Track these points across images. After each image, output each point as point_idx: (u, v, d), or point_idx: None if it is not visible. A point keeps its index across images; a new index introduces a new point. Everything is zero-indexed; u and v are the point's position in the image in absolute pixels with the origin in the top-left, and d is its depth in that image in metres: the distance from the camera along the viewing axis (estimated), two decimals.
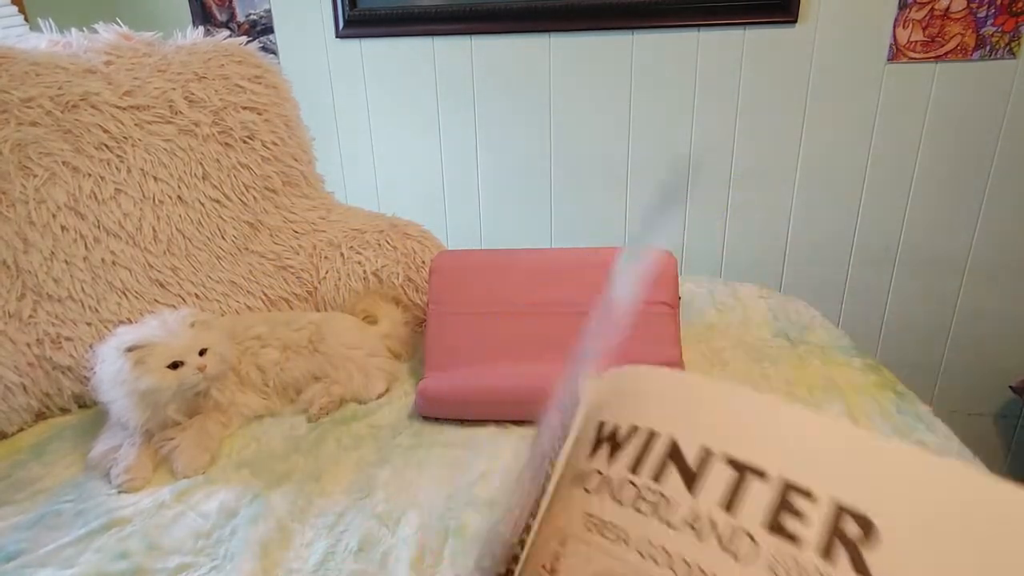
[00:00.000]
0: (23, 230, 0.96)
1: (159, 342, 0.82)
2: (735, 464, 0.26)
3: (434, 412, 0.95)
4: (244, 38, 1.25)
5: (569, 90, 1.66)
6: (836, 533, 0.24)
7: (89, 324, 0.98)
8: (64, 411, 0.99)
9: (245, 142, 1.18)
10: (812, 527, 0.24)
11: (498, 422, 0.93)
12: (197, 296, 1.08)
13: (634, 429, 0.28)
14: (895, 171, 1.53)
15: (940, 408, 1.59)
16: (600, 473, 0.28)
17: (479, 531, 0.73)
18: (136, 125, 1.07)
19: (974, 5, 1.36)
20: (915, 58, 1.43)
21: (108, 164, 1.04)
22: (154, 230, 1.06)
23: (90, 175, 1.02)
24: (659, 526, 0.25)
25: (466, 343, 1.01)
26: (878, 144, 1.52)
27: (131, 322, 0.97)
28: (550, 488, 0.30)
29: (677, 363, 0.97)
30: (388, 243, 1.21)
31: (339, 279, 1.18)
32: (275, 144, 1.22)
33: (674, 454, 0.27)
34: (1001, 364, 1.60)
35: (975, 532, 0.23)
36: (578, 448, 0.30)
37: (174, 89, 1.12)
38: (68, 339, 0.96)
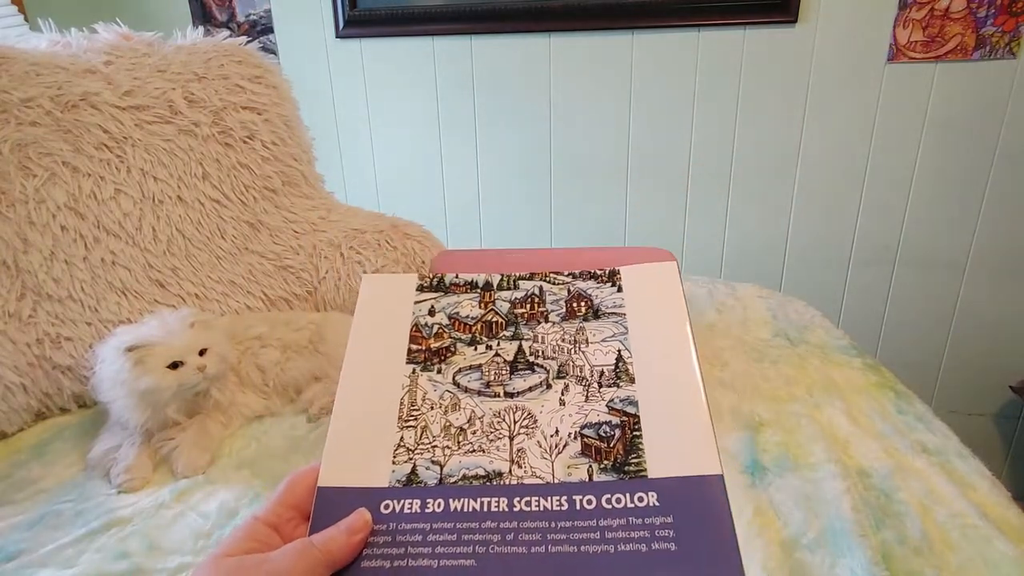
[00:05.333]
0: (23, 230, 0.96)
1: (159, 342, 0.82)
2: None
3: None
4: (244, 38, 1.25)
5: (569, 90, 1.66)
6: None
7: (89, 324, 0.98)
8: (64, 411, 0.99)
9: (245, 142, 1.18)
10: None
11: None
12: (197, 296, 1.08)
13: None
14: (895, 171, 1.53)
15: (940, 408, 1.59)
16: None
17: None
18: (136, 125, 1.07)
19: (974, 5, 1.36)
20: (915, 58, 1.43)
21: (108, 164, 1.04)
22: (154, 230, 1.06)
23: (90, 175, 1.02)
24: None
25: None
26: (878, 144, 1.52)
27: (131, 322, 0.97)
28: None
29: None
30: (388, 243, 1.21)
31: (339, 279, 1.18)
32: (275, 144, 1.21)
33: None
34: (1001, 364, 1.60)
35: None
36: None
37: (174, 89, 1.12)
38: (68, 339, 0.96)
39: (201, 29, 1.24)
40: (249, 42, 1.24)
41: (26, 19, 1.66)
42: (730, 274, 1.71)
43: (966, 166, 1.49)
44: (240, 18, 1.82)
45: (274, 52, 1.82)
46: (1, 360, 0.91)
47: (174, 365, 0.82)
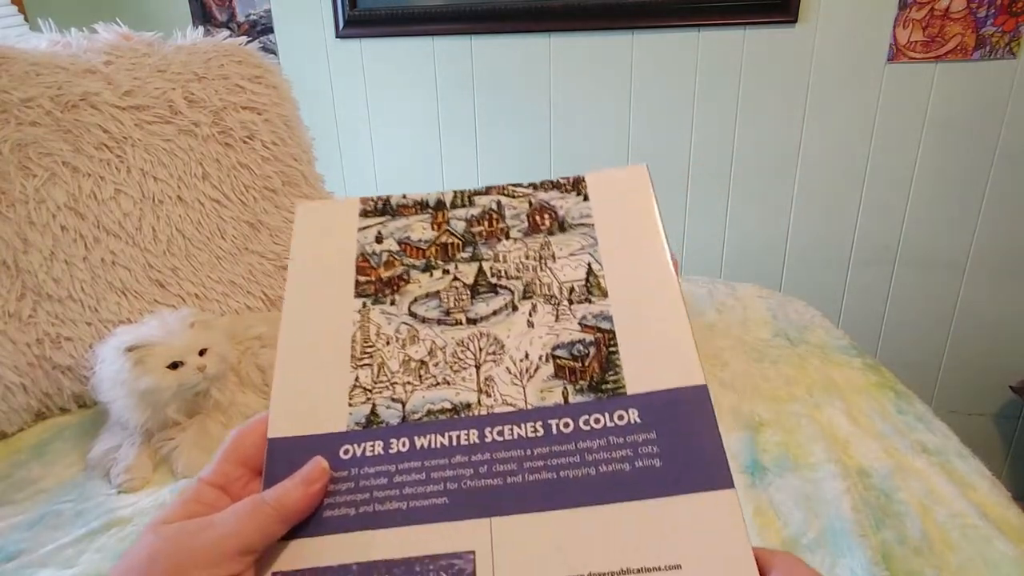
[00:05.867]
0: (23, 230, 0.96)
1: (159, 342, 0.82)
2: None
3: None
4: (244, 38, 1.25)
5: (569, 90, 1.66)
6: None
7: (89, 324, 0.98)
8: (64, 411, 0.99)
9: (245, 142, 1.18)
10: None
11: None
12: (197, 296, 1.08)
13: None
14: (895, 171, 1.53)
15: (940, 408, 1.59)
16: None
17: None
18: (136, 125, 1.07)
19: (974, 5, 1.36)
20: (915, 58, 1.43)
21: (108, 164, 1.04)
22: (154, 230, 1.06)
23: (90, 175, 1.02)
24: None
25: None
26: (878, 144, 1.52)
27: (131, 322, 0.97)
28: None
29: None
30: None
31: None
32: (275, 144, 1.22)
33: None
34: (1001, 364, 1.60)
35: None
36: None
37: (174, 89, 1.12)
38: (68, 339, 0.96)
39: (201, 29, 1.24)
40: (249, 42, 1.24)
41: (26, 19, 1.66)
42: (730, 274, 1.71)
43: (966, 166, 1.49)
44: (240, 18, 1.82)
45: (274, 52, 1.82)
46: (1, 360, 0.91)
47: (174, 365, 0.82)
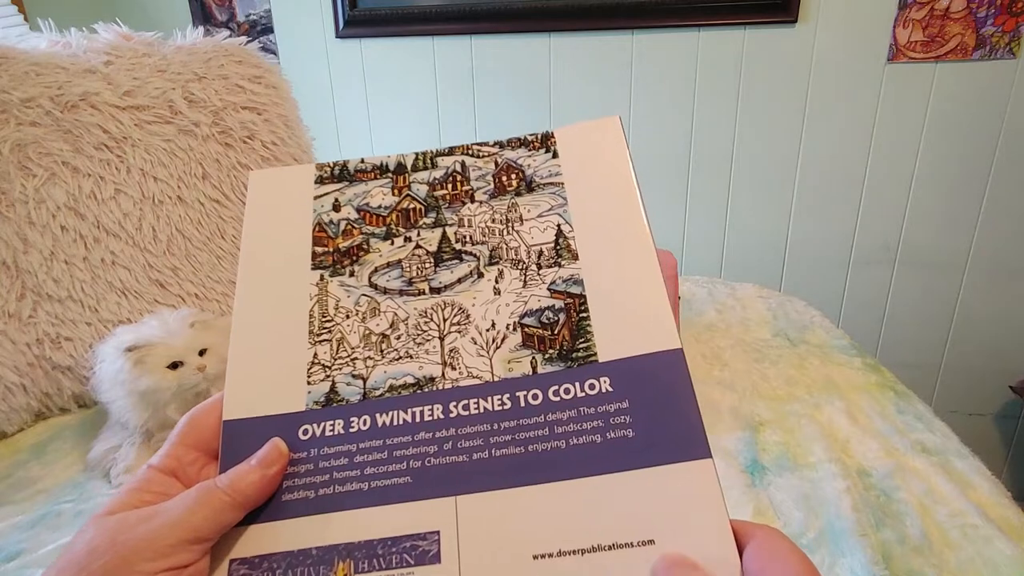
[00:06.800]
0: (23, 230, 0.96)
1: (159, 342, 0.82)
2: None
3: None
4: (244, 38, 1.25)
5: (569, 90, 1.66)
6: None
7: (89, 324, 0.98)
8: (64, 411, 0.99)
9: (245, 142, 1.18)
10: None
11: None
12: (197, 296, 1.08)
13: None
14: (895, 171, 1.53)
15: (940, 408, 1.59)
16: None
17: None
18: (136, 125, 1.07)
19: (974, 5, 1.36)
20: (915, 58, 1.43)
21: (108, 164, 1.04)
22: (154, 230, 1.06)
23: (90, 175, 1.02)
24: None
25: None
26: (878, 144, 1.52)
27: (131, 322, 0.97)
28: None
29: None
30: None
31: None
32: (275, 144, 1.21)
33: None
34: (1001, 364, 1.60)
35: None
36: None
37: (174, 89, 1.12)
38: (68, 339, 0.96)
39: (201, 29, 1.24)
40: (249, 42, 1.24)
41: (26, 19, 1.66)
42: (730, 274, 1.71)
43: (966, 166, 1.49)
44: (240, 18, 1.82)
45: (274, 52, 1.82)
46: (1, 360, 0.91)
47: (174, 365, 0.82)
